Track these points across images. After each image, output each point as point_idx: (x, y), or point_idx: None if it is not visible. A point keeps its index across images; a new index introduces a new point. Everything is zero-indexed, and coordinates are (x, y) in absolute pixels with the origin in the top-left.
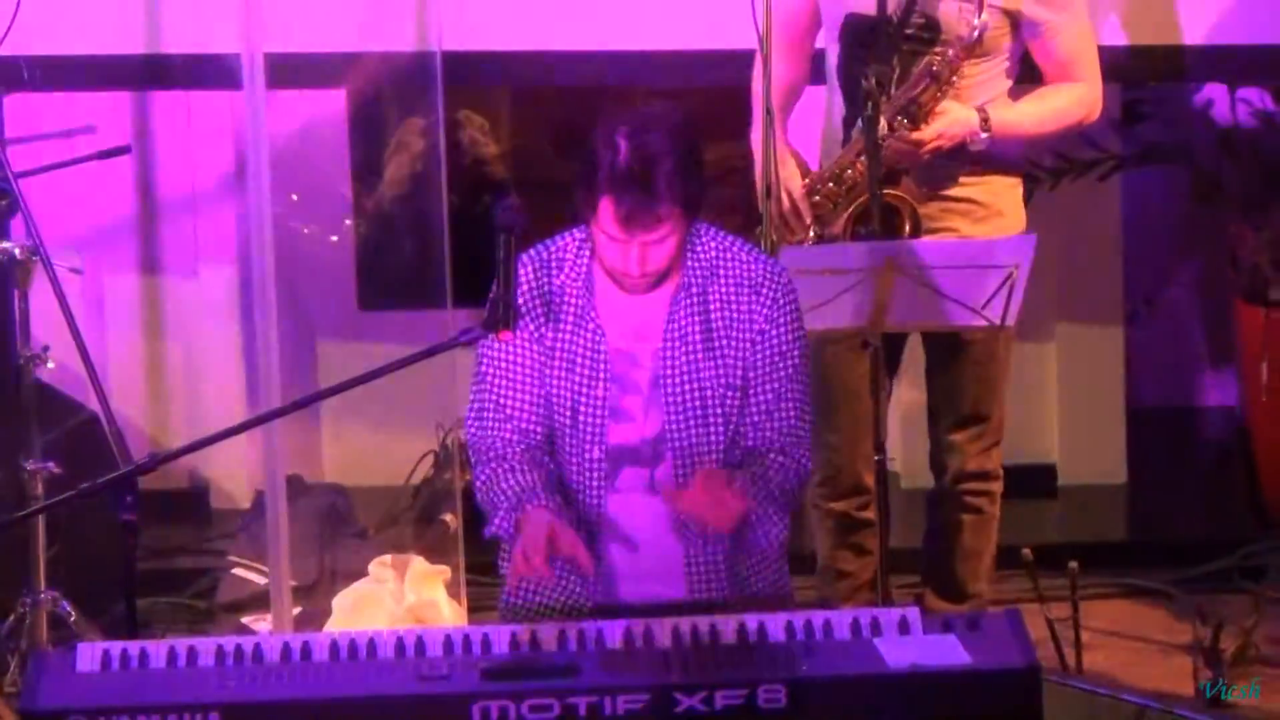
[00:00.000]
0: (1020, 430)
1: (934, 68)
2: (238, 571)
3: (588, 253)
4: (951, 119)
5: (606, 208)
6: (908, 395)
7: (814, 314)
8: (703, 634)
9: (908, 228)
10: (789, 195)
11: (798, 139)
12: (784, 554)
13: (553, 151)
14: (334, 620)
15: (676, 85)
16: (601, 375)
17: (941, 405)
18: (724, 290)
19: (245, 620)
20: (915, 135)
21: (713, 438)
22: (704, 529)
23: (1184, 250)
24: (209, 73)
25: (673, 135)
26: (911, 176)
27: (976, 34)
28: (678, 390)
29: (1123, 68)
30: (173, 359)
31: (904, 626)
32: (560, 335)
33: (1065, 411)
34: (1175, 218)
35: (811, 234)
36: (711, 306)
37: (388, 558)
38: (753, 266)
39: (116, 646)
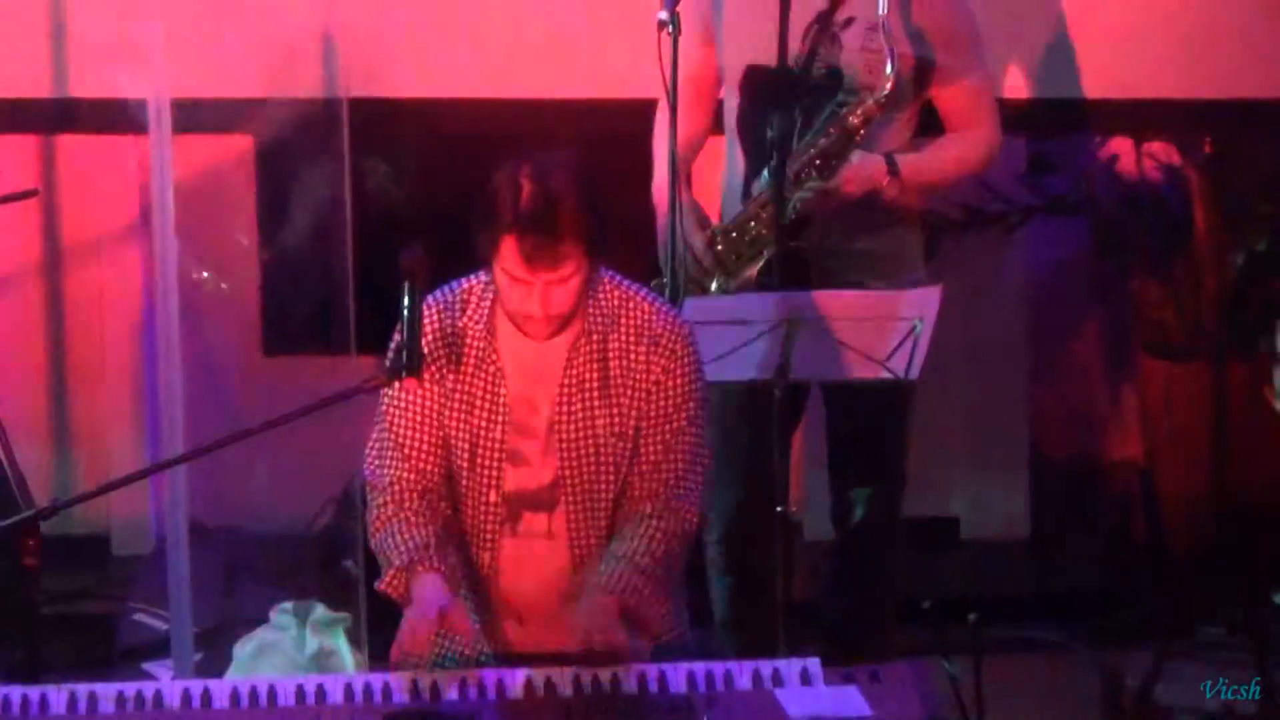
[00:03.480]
0: (923, 483)
1: (848, 120)
2: (139, 617)
3: (491, 296)
4: (860, 164)
5: (510, 247)
6: (811, 446)
7: (717, 365)
8: (604, 684)
9: (813, 278)
10: (691, 248)
11: (698, 191)
12: (682, 603)
13: (459, 199)
14: (235, 667)
15: (583, 134)
16: (500, 419)
17: (842, 457)
18: (623, 340)
19: (146, 666)
20: (824, 185)
21: (603, 485)
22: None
23: (1089, 304)
24: (116, 117)
25: (573, 175)
26: (815, 229)
27: (890, 85)
28: (572, 437)
29: (1028, 120)
30: (76, 404)
31: (805, 677)
32: (461, 377)
33: (968, 464)
34: (1081, 271)
35: (715, 285)
36: (610, 355)
37: (289, 604)
38: (654, 318)
39: (16, 692)
